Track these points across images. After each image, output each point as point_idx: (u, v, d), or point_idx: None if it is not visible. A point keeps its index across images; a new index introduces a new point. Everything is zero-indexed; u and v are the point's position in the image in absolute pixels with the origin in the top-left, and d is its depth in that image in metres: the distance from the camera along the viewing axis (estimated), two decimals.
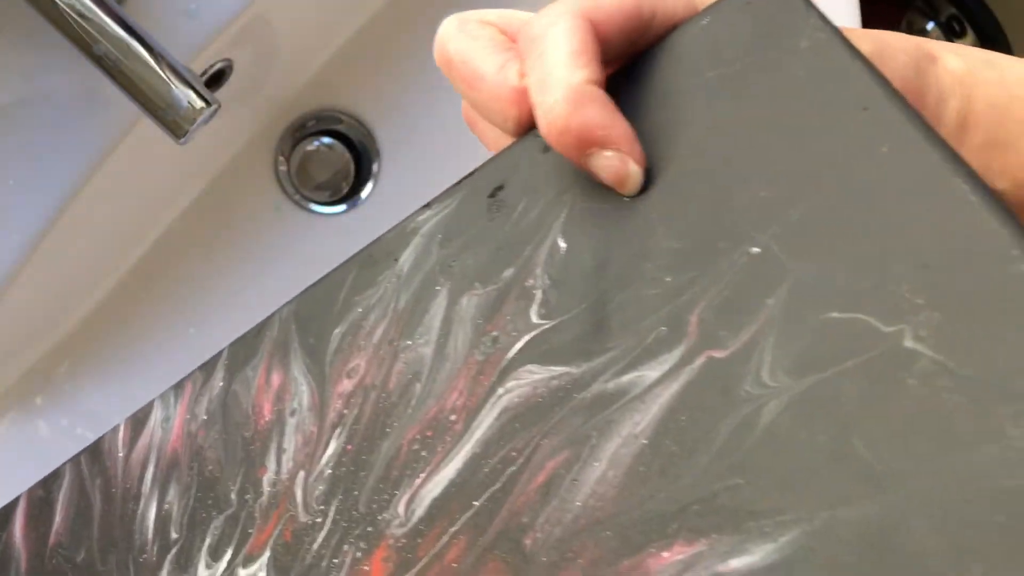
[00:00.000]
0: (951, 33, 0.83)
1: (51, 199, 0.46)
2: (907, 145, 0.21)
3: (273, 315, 0.29)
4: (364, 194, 0.58)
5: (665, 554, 0.21)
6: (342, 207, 0.58)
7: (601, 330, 0.23)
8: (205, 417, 0.29)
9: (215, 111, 0.40)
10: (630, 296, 0.23)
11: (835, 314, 0.21)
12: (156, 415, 0.30)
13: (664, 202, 0.24)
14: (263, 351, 0.28)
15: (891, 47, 0.29)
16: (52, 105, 0.45)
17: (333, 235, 0.58)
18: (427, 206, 0.27)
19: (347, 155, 0.57)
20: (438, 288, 0.26)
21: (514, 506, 0.23)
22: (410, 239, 0.27)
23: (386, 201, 0.57)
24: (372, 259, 0.28)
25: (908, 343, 0.19)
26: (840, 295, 0.21)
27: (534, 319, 0.24)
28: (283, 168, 0.57)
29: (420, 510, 0.24)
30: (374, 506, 0.25)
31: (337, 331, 0.27)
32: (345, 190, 0.57)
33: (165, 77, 0.39)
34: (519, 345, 0.24)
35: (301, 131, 0.57)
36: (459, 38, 0.28)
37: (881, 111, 0.22)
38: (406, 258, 0.27)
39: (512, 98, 0.26)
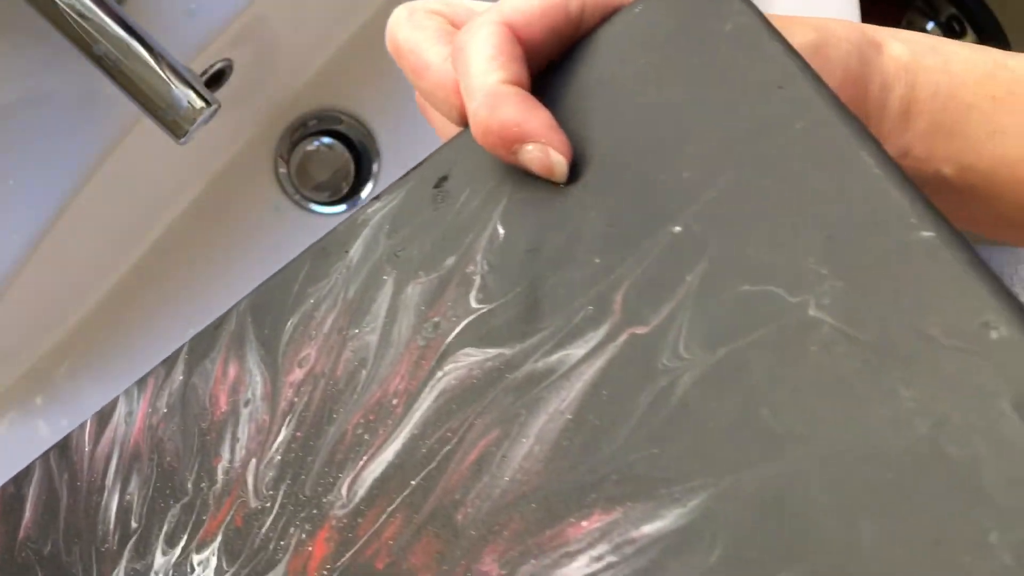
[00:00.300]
0: (951, 33, 0.83)
1: (51, 199, 0.46)
2: (819, 121, 0.22)
3: (231, 309, 0.30)
4: (364, 194, 0.58)
5: (584, 523, 0.22)
6: (342, 207, 0.58)
7: (534, 312, 0.24)
8: (165, 410, 0.30)
9: (215, 111, 0.40)
10: (561, 279, 0.24)
11: (747, 287, 0.22)
12: (120, 410, 0.31)
13: (595, 187, 0.25)
14: (221, 344, 0.29)
15: (834, 35, 0.30)
16: (52, 105, 0.45)
17: None
18: (377, 198, 0.28)
19: (347, 155, 0.57)
20: (385, 277, 0.27)
21: (448, 484, 0.24)
22: (360, 230, 0.28)
23: None
24: (325, 251, 0.29)
25: (812, 312, 0.20)
26: (753, 268, 0.22)
27: (473, 304, 0.25)
28: (283, 168, 0.57)
29: (362, 491, 0.25)
30: (319, 489, 0.26)
31: (290, 322, 0.28)
32: (345, 190, 0.57)
33: (165, 77, 0.39)
34: (458, 329, 0.25)
35: (301, 131, 0.57)
36: (407, 27, 0.29)
37: (796, 89, 0.23)
38: (356, 249, 0.28)
39: (456, 88, 0.27)
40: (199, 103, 0.40)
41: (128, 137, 0.46)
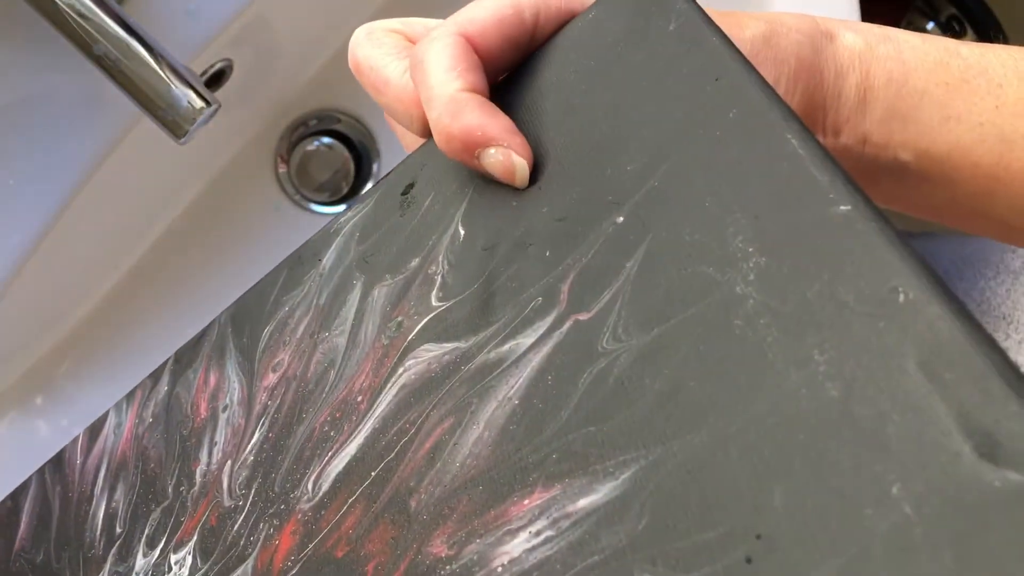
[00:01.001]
0: (951, 33, 0.83)
1: (51, 199, 0.46)
2: (749, 108, 0.24)
3: (213, 321, 0.31)
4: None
5: (525, 501, 0.23)
6: (342, 207, 0.58)
7: (488, 306, 0.26)
8: (151, 420, 0.31)
9: (215, 111, 0.40)
10: (515, 273, 0.26)
11: (681, 269, 0.23)
12: (110, 422, 0.32)
13: (547, 185, 0.26)
14: (203, 354, 0.31)
15: (784, 26, 0.30)
16: (52, 105, 0.45)
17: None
18: (348, 208, 0.30)
19: (347, 155, 0.57)
20: (355, 282, 0.28)
21: (403, 473, 0.25)
22: (332, 239, 0.30)
23: None
24: (300, 260, 0.30)
25: (738, 288, 0.22)
26: (687, 252, 0.23)
27: (433, 302, 0.27)
28: (283, 168, 0.57)
29: (326, 485, 0.27)
30: (287, 486, 0.27)
31: (266, 330, 0.30)
32: (345, 190, 0.57)
33: (165, 77, 0.39)
34: (419, 327, 0.27)
35: (301, 131, 0.57)
36: (366, 45, 0.30)
37: (730, 79, 0.24)
38: (328, 257, 0.29)
39: (415, 100, 0.28)
40: (199, 103, 0.40)
41: (128, 137, 0.46)
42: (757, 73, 0.24)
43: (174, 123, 0.40)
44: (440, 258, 0.27)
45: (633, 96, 0.26)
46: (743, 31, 0.30)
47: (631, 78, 0.26)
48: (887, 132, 0.31)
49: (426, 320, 0.26)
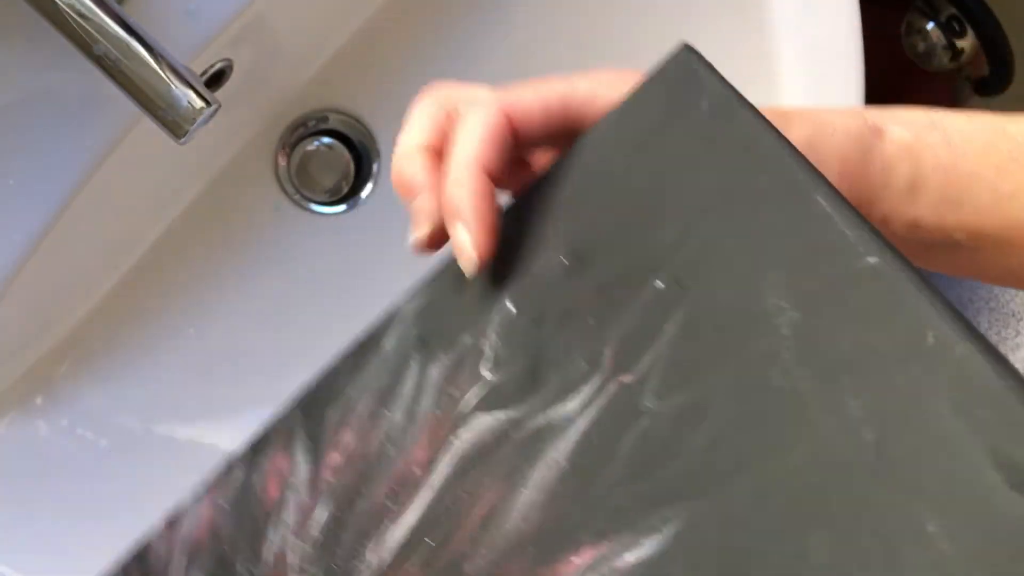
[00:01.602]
0: (951, 33, 0.83)
1: (51, 199, 0.46)
2: (779, 173, 0.25)
3: (284, 409, 0.33)
4: (364, 194, 0.58)
5: (575, 558, 0.24)
6: (342, 207, 0.58)
7: (537, 375, 0.27)
8: (225, 505, 0.32)
9: (215, 111, 0.40)
10: (561, 342, 0.27)
11: (718, 328, 0.24)
12: (188, 510, 0.34)
13: (591, 257, 0.28)
14: (275, 440, 0.32)
15: (830, 126, 0.31)
16: (52, 105, 0.45)
17: (333, 235, 0.58)
18: (409, 293, 0.31)
19: (347, 155, 0.57)
20: (412, 362, 0.30)
21: (459, 539, 0.27)
22: (393, 323, 0.31)
23: (386, 201, 0.57)
24: (363, 346, 0.32)
25: (773, 343, 0.23)
26: (723, 311, 0.24)
27: (485, 375, 0.28)
28: (283, 168, 0.57)
29: (387, 555, 0.28)
30: (352, 559, 0.29)
31: (331, 412, 0.31)
32: (345, 190, 0.57)
33: (165, 77, 0.39)
34: (472, 399, 0.28)
35: (301, 131, 0.57)
36: (403, 168, 0.31)
37: (760, 148, 0.26)
38: (389, 340, 0.31)
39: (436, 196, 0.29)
40: (199, 103, 0.40)
41: (128, 137, 0.46)
42: (786, 140, 0.26)
43: (174, 123, 0.40)
44: (491, 333, 0.29)
45: (669, 170, 0.27)
46: (789, 133, 0.30)
47: (667, 153, 0.28)
48: (938, 216, 0.31)
49: (479, 392, 0.28)
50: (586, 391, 0.26)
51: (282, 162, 0.57)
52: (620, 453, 0.24)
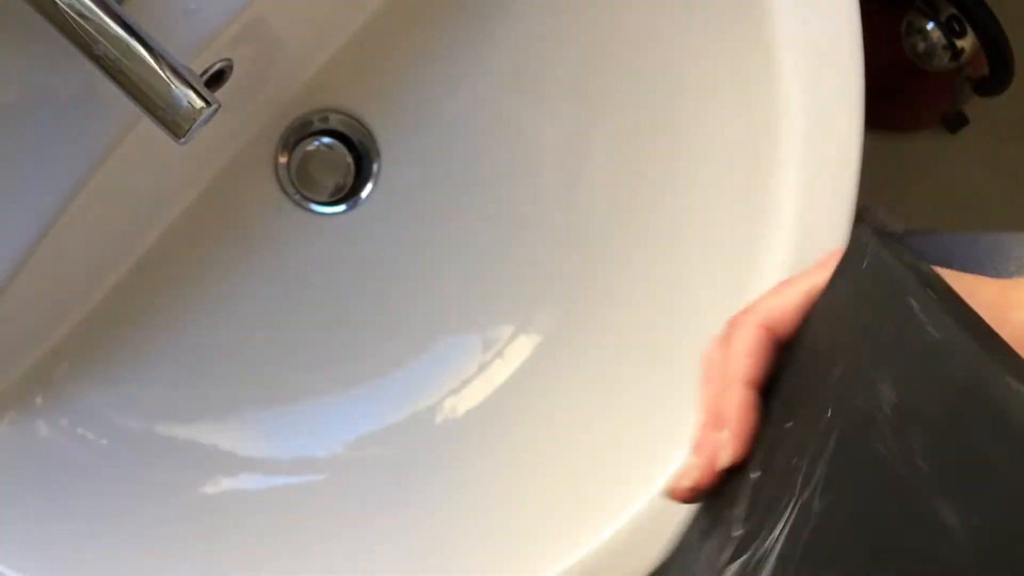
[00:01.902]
0: (951, 33, 0.83)
1: (51, 199, 0.46)
2: (915, 318, 0.26)
3: None
4: (364, 194, 0.58)
5: None
6: (342, 207, 0.58)
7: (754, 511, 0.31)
8: None
9: (215, 111, 0.40)
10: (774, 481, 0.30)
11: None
12: None
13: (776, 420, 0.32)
14: None
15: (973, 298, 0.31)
16: (52, 105, 0.45)
17: (333, 235, 0.58)
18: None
19: (347, 155, 0.57)
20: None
21: None
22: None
23: (386, 201, 0.57)
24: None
25: (905, 466, 0.25)
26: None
27: (735, 536, 0.31)
28: (283, 168, 0.57)
29: None
30: None
31: None
32: (345, 190, 0.57)
33: (165, 77, 0.39)
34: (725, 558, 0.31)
35: (301, 131, 0.57)
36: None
37: (921, 300, 0.27)
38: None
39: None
40: (199, 103, 0.40)
41: (128, 137, 0.46)
42: (935, 290, 0.28)
43: (174, 123, 0.40)
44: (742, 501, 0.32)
45: (840, 329, 0.31)
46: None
47: (841, 314, 0.31)
48: None
49: (730, 551, 0.31)
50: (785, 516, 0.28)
51: (282, 162, 0.57)
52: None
